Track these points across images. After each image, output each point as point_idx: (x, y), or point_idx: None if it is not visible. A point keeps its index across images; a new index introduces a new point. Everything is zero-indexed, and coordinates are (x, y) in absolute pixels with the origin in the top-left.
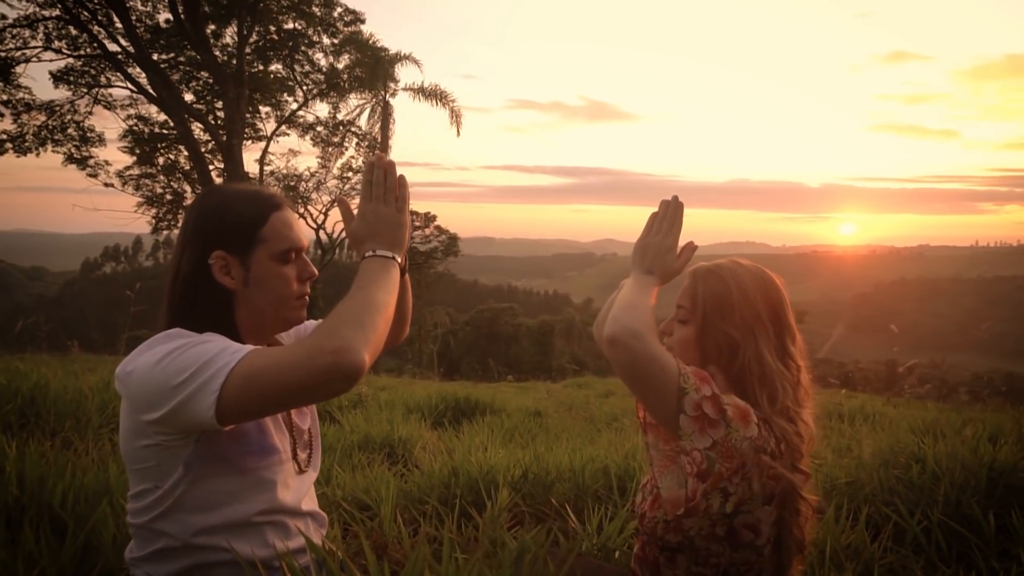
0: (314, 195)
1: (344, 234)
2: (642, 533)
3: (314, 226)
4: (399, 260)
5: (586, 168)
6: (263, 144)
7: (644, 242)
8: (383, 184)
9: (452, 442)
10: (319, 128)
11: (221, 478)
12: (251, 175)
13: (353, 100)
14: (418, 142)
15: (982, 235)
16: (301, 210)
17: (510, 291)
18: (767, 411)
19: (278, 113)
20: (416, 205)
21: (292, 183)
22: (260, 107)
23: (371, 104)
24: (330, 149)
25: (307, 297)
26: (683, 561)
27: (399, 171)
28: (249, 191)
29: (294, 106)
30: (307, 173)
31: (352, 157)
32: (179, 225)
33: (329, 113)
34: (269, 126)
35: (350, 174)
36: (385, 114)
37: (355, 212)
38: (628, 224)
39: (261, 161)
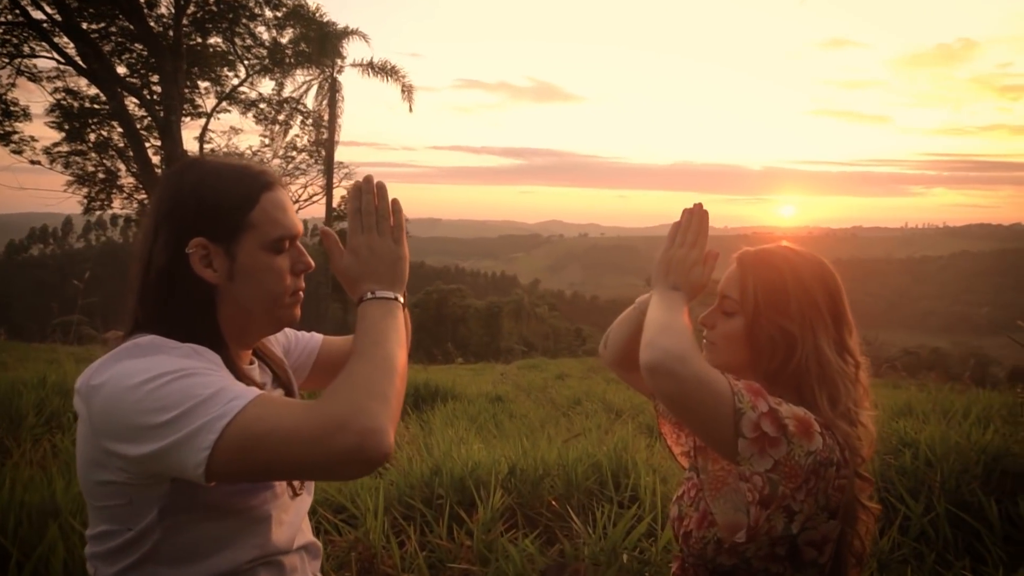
0: None
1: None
2: (687, 554)
3: None
4: (402, 299)
5: (533, 149)
6: (203, 121)
7: (667, 255)
8: (374, 212)
9: (423, 432)
10: (262, 105)
11: (206, 523)
12: (191, 154)
13: (299, 76)
14: (363, 121)
15: (911, 217)
16: None
17: (457, 272)
18: (828, 414)
19: (218, 89)
20: None
21: None
22: (199, 82)
23: (318, 81)
24: (275, 127)
25: (302, 293)
26: None
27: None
28: (234, 166)
29: (235, 81)
30: (249, 152)
31: (297, 136)
32: (109, 203)
33: (273, 90)
34: (209, 102)
35: (294, 153)
36: (332, 91)
37: (344, 246)
38: (574, 205)
39: (201, 139)
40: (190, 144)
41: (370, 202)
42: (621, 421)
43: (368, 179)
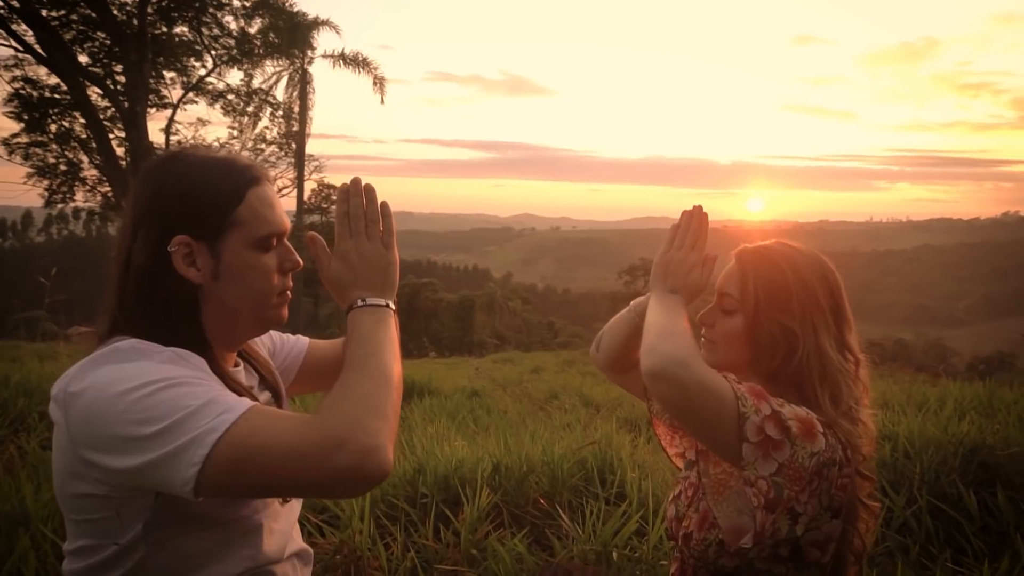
0: None
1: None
2: (688, 555)
3: None
4: (393, 307)
5: (505, 143)
6: (169, 112)
7: (665, 258)
8: (363, 216)
9: (403, 429)
10: (230, 96)
11: (194, 536)
12: (156, 145)
13: (269, 67)
14: (334, 114)
15: (876, 211)
16: None
17: (429, 266)
18: (830, 413)
19: (185, 79)
20: (333, 180)
21: None
22: (165, 72)
23: (288, 72)
24: (243, 119)
25: (289, 292)
26: None
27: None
28: (219, 159)
29: (202, 72)
30: (217, 144)
31: (266, 128)
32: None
33: (242, 80)
34: (175, 93)
35: (264, 146)
36: (303, 83)
37: (331, 251)
38: (546, 199)
39: (167, 130)
40: (156, 135)
41: (358, 206)
42: (601, 416)
43: (356, 181)
